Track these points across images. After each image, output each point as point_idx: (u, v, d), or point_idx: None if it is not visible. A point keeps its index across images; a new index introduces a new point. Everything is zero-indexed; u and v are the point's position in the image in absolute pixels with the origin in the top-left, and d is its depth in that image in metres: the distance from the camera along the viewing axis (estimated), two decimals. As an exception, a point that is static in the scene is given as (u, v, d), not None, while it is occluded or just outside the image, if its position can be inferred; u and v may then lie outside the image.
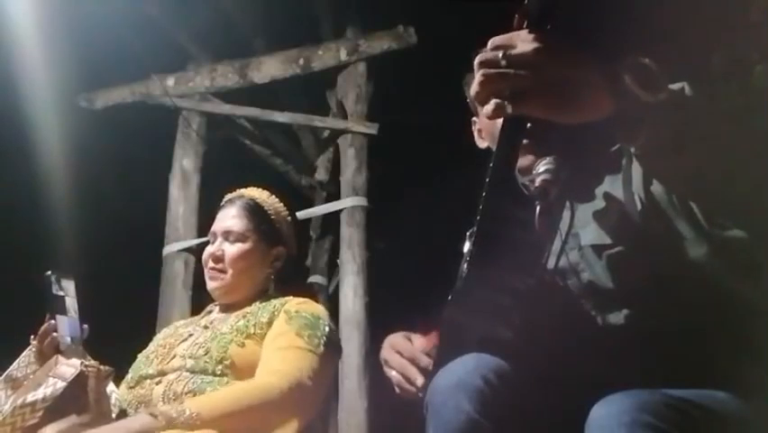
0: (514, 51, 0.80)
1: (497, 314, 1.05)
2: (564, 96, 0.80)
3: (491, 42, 0.82)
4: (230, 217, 1.87)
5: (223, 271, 1.82)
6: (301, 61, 4.59)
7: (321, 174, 5.03)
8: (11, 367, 1.59)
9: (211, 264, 1.84)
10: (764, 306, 1.12)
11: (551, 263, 1.22)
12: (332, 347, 1.70)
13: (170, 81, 4.73)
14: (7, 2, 3.60)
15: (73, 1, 3.88)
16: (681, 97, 0.86)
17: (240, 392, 1.54)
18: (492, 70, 0.81)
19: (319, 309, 1.76)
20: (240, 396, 1.52)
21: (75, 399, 1.41)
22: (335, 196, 4.58)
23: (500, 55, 0.80)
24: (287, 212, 1.94)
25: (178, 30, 4.60)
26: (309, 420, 1.65)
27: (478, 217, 1.02)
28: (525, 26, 0.82)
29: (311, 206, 4.85)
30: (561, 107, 0.81)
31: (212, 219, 1.95)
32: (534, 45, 0.80)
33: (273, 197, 1.95)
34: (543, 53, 0.79)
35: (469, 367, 1.08)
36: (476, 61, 0.83)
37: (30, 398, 1.40)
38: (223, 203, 1.95)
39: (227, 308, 1.85)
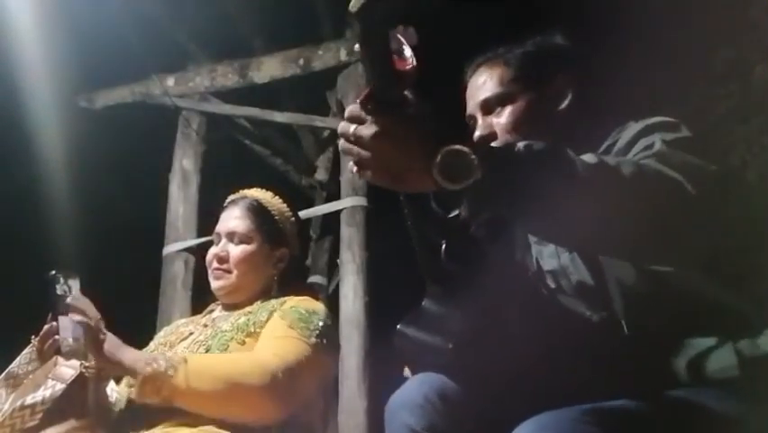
0: (359, 132, 0.93)
1: (432, 344, 1.19)
2: (395, 174, 0.95)
3: (347, 112, 0.96)
4: (234, 218, 1.87)
5: (228, 272, 1.83)
6: (301, 61, 4.59)
7: (321, 174, 5.03)
8: (12, 364, 1.58)
9: (215, 265, 1.84)
10: (748, 313, 1.15)
11: (540, 266, 1.28)
12: (325, 340, 1.69)
13: (170, 81, 4.73)
14: (7, 2, 3.60)
15: (73, 1, 3.88)
16: (497, 177, 0.93)
17: (234, 357, 1.59)
18: (346, 144, 0.96)
19: (316, 306, 1.76)
20: (231, 365, 1.56)
21: (74, 401, 1.40)
22: (335, 196, 4.58)
23: (351, 130, 0.94)
24: (290, 213, 1.94)
25: (178, 30, 4.60)
26: (294, 410, 1.63)
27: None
28: (370, 104, 0.93)
29: (311, 206, 4.85)
30: (393, 183, 0.96)
31: (212, 219, 1.95)
32: (373, 130, 0.92)
33: (277, 197, 1.94)
34: (379, 139, 0.92)
35: (414, 387, 1.23)
36: (339, 128, 0.97)
37: (29, 400, 1.39)
38: (226, 203, 1.94)
39: (230, 308, 1.85)
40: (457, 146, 0.90)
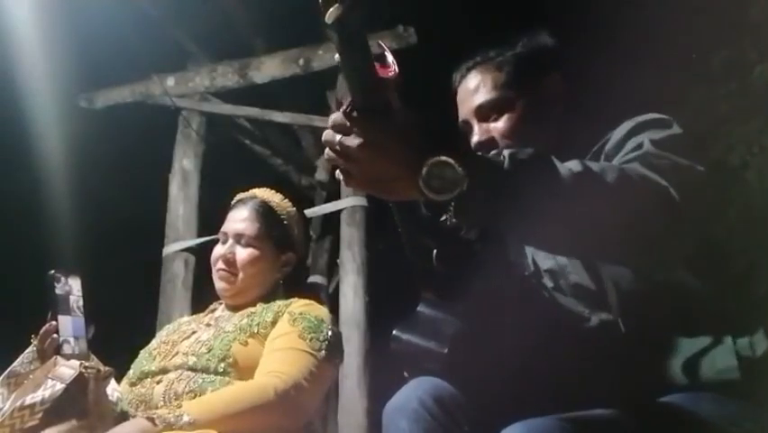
0: (344, 142, 0.92)
1: (427, 348, 1.21)
2: (380, 183, 0.95)
3: (331, 120, 0.94)
4: (242, 220, 1.84)
5: (233, 274, 1.81)
6: (301, 61, 4.59)
7: (321, 174, 5.03)
8: (14, 363, 1.57)
9: (221, 265, 1.82)
10: (747, 314, 1.15)
11: (533, 268, 1.28)
12: (333, 351, 1.69)
13: (170, 81, 4.73)
14: (7, 2, 3.60)
15: (73, 1, 3.88)
16: (483, 187, 0.92)
17: (237, 394, 1.54)
18: (330, 153, 0.95)
19: (323, 312, 1.75)
20: (237, 397, 1.52)
21: (74, 401, 1.40)
22: (335, 196, 4.58)
23: (336, 139, 0.93)
24: (299, 217, 1.91)
25: (178, 30, 4.60)
26: (307, 422, 1.64)
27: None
28: (354, 112, 0.92)
29: (311, 206, 4.85)
30: (378, 191, 0.97)
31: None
32: (359, 141, 0.91)
33: (286, 200, 1.91)
34: (365, 150, 0.91)
35: (409, 392, 1.25)
36: (323, 136, 0.96)
37: (29, 400, 1.39)
38: (234, 201, 1.92)
39: (233, 308, 1.84)
40: (443, 157, 0.89)
